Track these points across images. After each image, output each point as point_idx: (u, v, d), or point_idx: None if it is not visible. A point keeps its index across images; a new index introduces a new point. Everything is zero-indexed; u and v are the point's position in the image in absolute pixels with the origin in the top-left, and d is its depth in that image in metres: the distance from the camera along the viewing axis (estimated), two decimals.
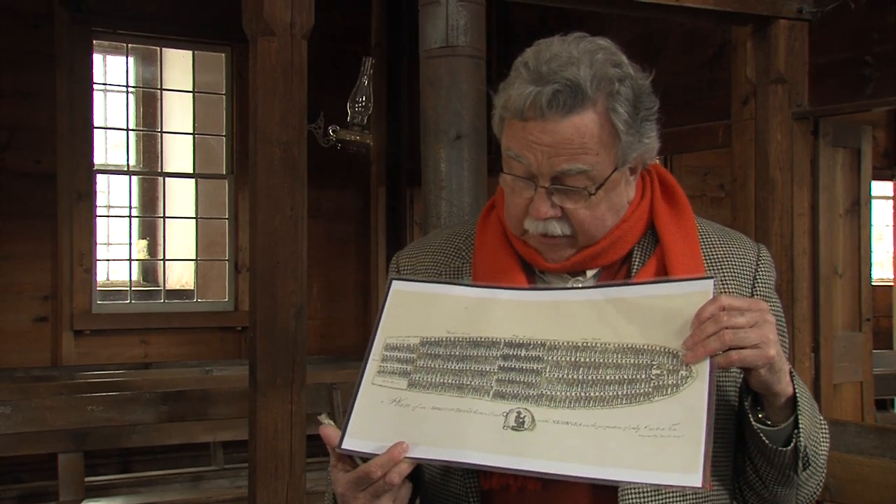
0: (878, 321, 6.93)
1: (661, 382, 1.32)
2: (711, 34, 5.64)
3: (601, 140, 1.40)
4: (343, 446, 1.36)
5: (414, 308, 1.45)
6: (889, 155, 8.01)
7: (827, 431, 1.48)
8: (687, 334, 1.32)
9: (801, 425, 1.35)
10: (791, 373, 1.37)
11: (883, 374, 5.99)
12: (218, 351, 7.11)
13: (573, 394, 1.34)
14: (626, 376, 1.33)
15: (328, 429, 1.36)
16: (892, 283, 8.42)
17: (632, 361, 1.34)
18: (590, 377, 1.34)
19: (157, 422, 4.70)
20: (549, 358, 1.37)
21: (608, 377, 1.34)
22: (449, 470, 1.45)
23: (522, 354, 1.38)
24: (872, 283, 5.36)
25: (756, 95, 4.47)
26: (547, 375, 1.35)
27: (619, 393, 1.33)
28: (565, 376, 1.35)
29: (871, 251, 5.29)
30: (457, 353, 1.40)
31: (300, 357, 3.17)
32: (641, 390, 1.32)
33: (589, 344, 1.36)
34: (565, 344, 1.37)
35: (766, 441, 1.37)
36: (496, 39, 6.79)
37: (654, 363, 1.33)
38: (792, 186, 4.38)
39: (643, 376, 1.33)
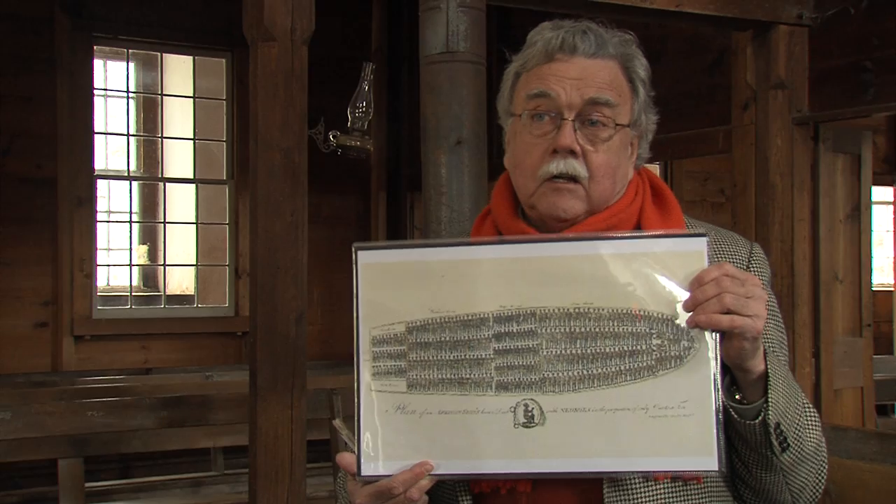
0: (878, 326, 6.93)
1: (663, 354, 1.30)
2: (711, 39, 5.64)
3: (622, 88, 1.48)
4: (363, 473, 1.35)
5: (389, 285, 1.37)
6: (889, 160, 8.01)
7: (816, 418, 1.45)
8: (683, 297, 1.31)
9: (770, 398, 1.34)
10: (765, 352, 1.36)
11: (883, 379, 5.99)
12: (218, 356, 7.11)
13: (575, 373, 1.32)
14: (626, 347, 1.31)
15: (346, 456, 1.37)
16: (892, 289, 8.41)
17: (629, 330, 1.31)
18: (589, 350, 1.32)
19: (158, 427, 4.68)
20: (543, 331, 1.33)
21: (608, 349, 1.31)
22: None
23: (515, 330, 1.34)
24: (873, 289, 5.36)
25: (756, 101, 4.47)
26: (545, 353, 1.33)
27: (622, 367, 1.31)
28: (564, 352, 1.32)
29: (871, 256, 5.29)
30: (447, 337, 1.35)
31: (300, 362, 3.16)
32: (645, 363, 1.31)
33: (581, 310, 1.32)
34: (557, 311, 1.33)
35: (735, 416, 1.36)
36: (496, 45, 6.79)
37: (653, 332, 1.31)
38: (792, 192, 4.39)
39: (644, 347, 1.31)
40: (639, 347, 1.31)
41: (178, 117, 7.72)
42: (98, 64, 7.47)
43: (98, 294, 6.90)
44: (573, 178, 1.45)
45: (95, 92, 6.91)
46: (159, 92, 7.65)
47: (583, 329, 1.32)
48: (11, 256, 6.48)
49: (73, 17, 6.63)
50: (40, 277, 6.57)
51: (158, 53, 7.39)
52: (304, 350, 3.19)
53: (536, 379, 1.32)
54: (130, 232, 7.52)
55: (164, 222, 7.53)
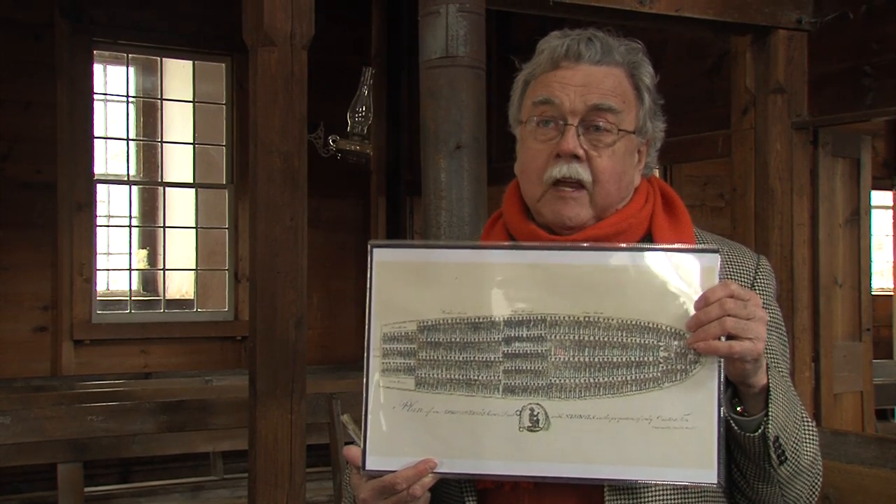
0: (878, 331, 6.93)
1: (669, 367, 1.32)
2: (711, 44, 5.64)
3: (627, 95, 1.49)
4: (368, 467, 1.37)
5: (403, 284, 1.39)
6: (888, 165, 8.02)
7: (814, 432, 1.46)
8: (692, 312, 1.32)
9: (770, 412, 1.35)
10: (768, 367, 1.37)
11: (883, 383, 5.99)
12: (218, 361, 7.10)
13: (582, 380, 1.33)
14: (633, 358, 1.32)
15: (352, 449, 1.39)
16: (892, 293, 8.42)
17: (637, 341, 1.33)
18: (596, 359, 1.33)
19: (157, 432, 4.69)
20: (553, 337, 1.35)
21: (615, 359, 1.33)
22: None
23: (524, 335, 1.35)
24: (872, 293, 5.36)
25: (755, 105, 4.48)
26: (553, 360, 1.34)
27: (628, 378, 1.32)
28: (572, 359, 1.34)
29: (870, 261, 5.30)
30: (457, 338, 1.37)
31: (300, 367, 3.17)
32: (651, 375, 1.32)
33: (591, 319, 1.34)
34: (567, 319, 1.34)
35: (736, 428, 1.37)
36: (496, 50, 6.80)
37: (660, 344, 1.32)
38: (791, 196, 4.39)
39: (651, 358, 1.32)
40: (646, 359, 1.32)
41: (178, 122, 7.73)
42: (98, 68, 7.48)
43: (98, 298, 6.90)
44: (578, 184, 1.46)
45: (95, 96, 6.91)
46: (159, 96, 7.66)
47: (591, 338, 1.34)
48: (11, 261, 6.49)
49: (73, 21, 6.64)
50: (40, 282, 6.57)
51: (158, 58, 7.40)
52: (304, 354, 3.19)
53: (543, 384, 1.34)
54: (130, 236, 7.52)
55: (164, 227, 7.53)
